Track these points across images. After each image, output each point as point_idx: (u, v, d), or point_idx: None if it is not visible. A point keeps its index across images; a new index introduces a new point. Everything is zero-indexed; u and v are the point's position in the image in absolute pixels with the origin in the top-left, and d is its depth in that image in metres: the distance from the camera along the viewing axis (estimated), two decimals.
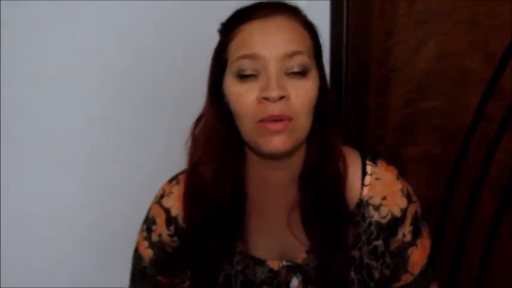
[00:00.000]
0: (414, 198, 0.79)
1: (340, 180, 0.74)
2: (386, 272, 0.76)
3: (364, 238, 0.75)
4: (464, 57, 1.08)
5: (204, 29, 0.77)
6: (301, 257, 0.74)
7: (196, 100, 0.77)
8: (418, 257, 0.77)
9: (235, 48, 0.69)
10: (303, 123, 0.69)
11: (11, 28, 0.99)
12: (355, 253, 0.74)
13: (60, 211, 1.11)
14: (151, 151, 1.13)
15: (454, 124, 1.12)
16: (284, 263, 0.74)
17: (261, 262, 0.75)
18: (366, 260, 0.74)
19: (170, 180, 0.83)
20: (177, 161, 0.80)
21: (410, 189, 0.79)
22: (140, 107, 1.13)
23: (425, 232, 0.78)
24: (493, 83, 1.07)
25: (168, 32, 1.10)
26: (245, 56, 0.67)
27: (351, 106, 1.19)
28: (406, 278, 0.77)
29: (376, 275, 0.74)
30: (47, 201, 1.10)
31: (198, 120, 0.77)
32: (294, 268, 0.74)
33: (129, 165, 1.14)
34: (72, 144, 1.10)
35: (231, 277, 0.74)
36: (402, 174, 1.16)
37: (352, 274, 0.73)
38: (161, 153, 1.08)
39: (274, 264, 0.74)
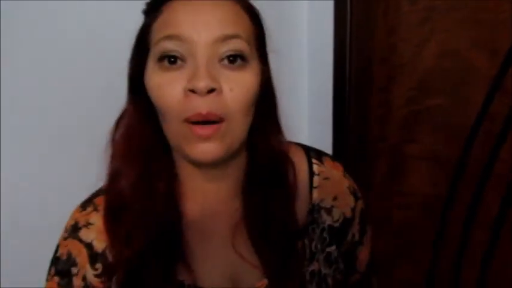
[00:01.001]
0: (359, 194, 0.70)
1: (288, 189, 0.64)
2: (339, 276, 0.68)
3: (319, 246, 0.66)
4: (468, 55, 1.08)
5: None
6: (262, 284, 0.62)
7: None
8: (364, 254, 0.72)
9: (158, 29, 0.57)
10: (238, 125, 0.56)
11: (11, 28, 0.99)
12: (315, 266, 0.65)
13: (61, 211, 1.11)
14: None
15: (458, 122, 1.11)
16: None
17: None
18: (323, 271, 0.65)
19: (83, 206, 0.66)
20: None
21: (355, 185, 0.70)
22: None
23: (369, 228, 0.72)
24: (497, 81, 1.06)
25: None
26: (168, 37, 0.55)
27: (353, 104, 1.19)
28: (355, 278, 0.72)
29: (330, 282, 0.66)
30: (47, 201, 1.09)
31: (119, 120, 0.63)
32: None
33: None
34: (75, 144, 1.09)
35: None
36: (405, 172, 1.16)
37: None
38: None
39: None
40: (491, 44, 1.05)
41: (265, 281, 0.62)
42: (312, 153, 0.69)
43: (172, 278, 0.59)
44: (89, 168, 1.12)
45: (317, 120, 1.27)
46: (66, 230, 0.65)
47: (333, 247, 0.67)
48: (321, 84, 1.24)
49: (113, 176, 0.61)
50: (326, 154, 0.70)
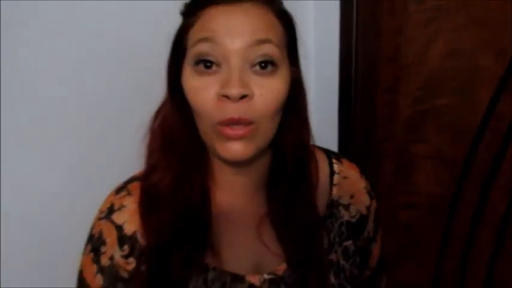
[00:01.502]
0: (373, 194, 0.77)
1: (311, 185, 0.68)
2: (355, 271, 0.72)
3: (337, 239, 0.71)
4: (475, 55, 1.08)
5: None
6: (281, 268, 0.67)
7: None
8: (376, 251, 0.78)
9: (195, 33, 0.60)
10: (267, 127, 0.60)
11: (11, 28, 1.00)
12: (333, 256, 0.70)
13: (62, 211, 1.12)
14: None
15: (464, 122, 1.11)
16: (266, 276, 0.66)
17: (239, 278, 0.65)
18: (341, 262, 0.70)
19: (117, 191, 0.70)
20: None
21: (369, 186, 0.77)
22: (137, 103, 1.13)
23: (380, 226, 0.78)
24: (504, 81, 1.06)
25: (165, 30, 1.10)
26: (204, 39, 0.58)
27: (360, 104, 1.19)
28: (366, 274, 0.77)
29: (348, 275, 0.71)
30: (47, 201, 1.10)
31: (158, 113, 0.67)
32: (276, 281, 0.66)
33: (132, 164, 1.14)
34: (76, 145, 1.10)
35: None
36: (411, 172, 1.16)
37: (332, 279, 0.68)
38: None
39: (255, 279, 0.65)
40: (498, 44, 1.05)
41: (284, 265, 0.66)
42: (331, 154, 0.75)
43: (198, 262, 0.64)
44: (90, 168, 1.13)
45: (323, 120, 1.27)
46: (101, 212, 0.70)
47: (350, 241, 0.72)
48: (327, 84, 1.24)
49: (151, 169, 0.66)
50: (344, 156, 0.76)
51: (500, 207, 1.11)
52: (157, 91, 1.09)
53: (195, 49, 0.59)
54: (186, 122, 0.64)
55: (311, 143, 0.69)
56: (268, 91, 0.58)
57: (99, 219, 0.69)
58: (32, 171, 1.08)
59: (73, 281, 1.12)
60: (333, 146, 1.23)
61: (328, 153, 0.75)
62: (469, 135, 1.11)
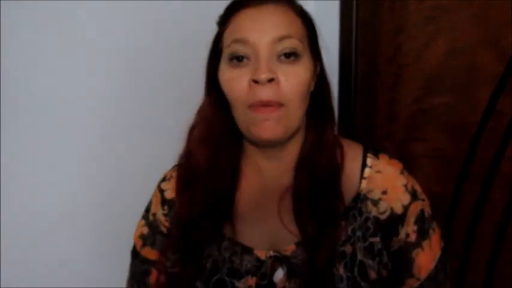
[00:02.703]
0: (421, 196, 0.74)
1: (335, 171, 0.72)
2: (384, 273, 0.71)
3: (359, 233, 0.71)
4: (475, 53, 1.08)
5: (206, 28, 0.76)
6: (289, 248, 0.72)
7: (200, 97, 0.78)
8: (424, 260, 0.72)
9: (228, 36, 0.70)
10: (294, 110, 0.68)
11: (11, 28, 1.00)
12: (347, 248, 0.70)
13: (62, 210, 1.12)
14: (155, 148, 1.13)
15: (464, 120, 1.11)
16: (271, 253, 0.72)
17: (248, 250, 0.73)
18: (359, 257, 0.70)
19: (174, 166, 0.83)
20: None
21: (417, 187, 0.75)
22: (143, 103, 1.13)
23: (434, 235, 0.73)
24: (504, 79, 1.06)
25: (171, 30, 1.10)
26: (236, 41, 0.68)
27: (360, 102, 1.19)
28: (411, 283, 0.72)
29: (372, 275, 0.69)
30: (48, 201, 1.10)
31: (199, 110, 0.78)
32: (280, 259, 0.71)
33: (132, 164, 1.14)
34: (74, 143, 1.10)
35: (218, 263, 0.73)
36: (411, 170, 1.15)
37: (342, 271, 0.69)
38: (165, 150, 1.07)
39: (262, 254, 0.72)
40: (498, 43, 1.06)
41: (293, 246, 0.72)
42: (370, 148, 0.77)
43: (216, 232, 0.74)
44: (91, 168, 1.13)
45: None
46: (158, 181, 0.84)
47: (377, 238, 0.71)
48: None
49: (188, 153, 0.77)
50: (385, 152, 0.77)
51: (500, 205, 1.12)
52: (171, 95, 1.10)
53: (229, 49, 0.69)
54: (221, 115, 0.74)
55: (334, 133, 0.75)
56: (292, 77, 0.67)
57: (155, 187, 0.84)
58: (32, 171, 1.08)
59: (75, 282, 1.12)
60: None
61: (366, 146, 0.77)
62: (468, 134, 1.11)
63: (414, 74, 1.14)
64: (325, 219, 0.69)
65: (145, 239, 0.81)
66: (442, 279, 0.74)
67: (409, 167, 1.18)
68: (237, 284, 0.72)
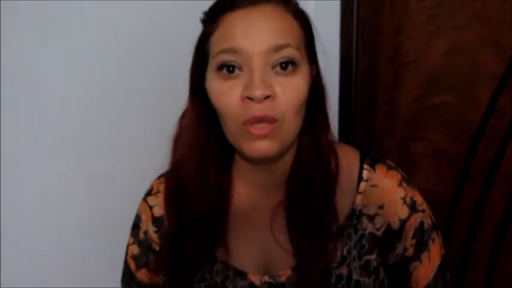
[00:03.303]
0: (421, 208, 0.69)
1: (330, 184, 0.67)
2: None
3: (354, 253, 0.67)
4: (476, 52, 1.08)
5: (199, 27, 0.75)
6: (285, 274, 0.67)
7: None
8: (422, 272, 0.69)
9: (216, 41, 0.62)
10: (290, 125, 0.62)
11: (11, 28, 1.00)
12: (343, 270, 0.66)
13: (62, 210, 1.12)
14: (156, 148, 1.13)
15: (465, 119, 1.11)
16: (266, 278, 0.68)
17: (241, 274, 0.68)
18: (355, 277, 0.66)
19: (159, 177, 0.78)
20: None
21: (417, 197, 0.70)
22: (144, 103, 1.13)
23: (434, 245, 0.69)
24: (505, 78, 1.06)
25: (165, 30, 1.10)
26: (226, 50, 0.60)
27: (360, 101, 1.19)
28: None
29: None
30: (48, 200, 1.10)
31: (183, 116, 0.72)
32: (275, 286, 0.67)
33: (138, 162, 1.14)
34: (78, 142, 1.10)
35: None
36: (412, 169, 1.15)
37: None
38: (163, 149, 1.08)
39: (256, 279, 0.68)
40: (499, 42, 1.05)
41: (288, 271, 0.67)
42: (367, 159, 0.70)
43: (208, 255, 0.69)
44: (89, 168, 1.13)
45: None
46: (145, 193, 0.79)
47: (373, 256, 0.67)
48: (327, 82, 1.24)
49: (175, 166, 0.71)
50: (384, 162, 0.71)
51: (500, 205, 1.12)
52: (162, 97, 1.10)
53: (218, 58, 0.61)
54: (209, 124, 0.68)
55: (329, 138, 0.70)
56: (290, 89, 0.60)
57: (142, 199, 0.78)
58: (32, 169, 1.08)
59: (76, 282, 1.13)
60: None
61: (363, 156, 0.71)
62: (469, 133, 1.11)
63: (415, 73, 1.13)
64: (319, 237, 0.65)
65: (138, 260, 0.76)
66: (442, 287, 0.71)
67: (410, 166, 1.19)
68: None
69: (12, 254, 1.07)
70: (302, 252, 0.65)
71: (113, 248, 1.14)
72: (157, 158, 1.09)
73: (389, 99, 1.16)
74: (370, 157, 0.71)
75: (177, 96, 1.05)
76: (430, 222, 0.70)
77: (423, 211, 0.69)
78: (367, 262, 0.67)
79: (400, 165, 1.20)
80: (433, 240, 0.69)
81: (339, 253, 0.67)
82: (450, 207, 1.16)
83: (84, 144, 1.10)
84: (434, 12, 1.09)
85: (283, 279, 0.67)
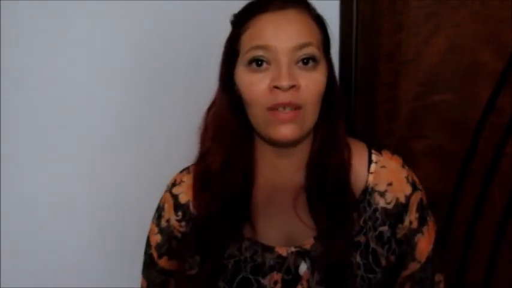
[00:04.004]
0: (419, 187, 0.80)
1: (344, 167, 0.77)
2: (392, 258, 0.77)
3: (370, 224, 0.76)
4: (475, 50, 1.08)
5: (213, 25, 0.77)
6: (308, 243, 0.75)
7: (206, 96, 0.78)
8: (424, 244, 0.79)
9: (248, 40, 0.72)
10: (311, 113, 0.71)
11: (11, 28, 1.00)
12: (361, 238, 0.75)
13: (62, 210, 1.12)
14: (161, 148, 1.13)
15: (465, 117, 1.11)
16: (292, 249, 0.76)
17: (269, 249, 0.76)
18: (372, 245, 0.75)
19: (181, 171, 0.85)
20: (187, 158, 0.81)
21: (415, 178, 0.81)
22: (149, 104, 1.13)
23: (430, 220, 0.80)
24: (504, 76, 1.06)
25: (177, 28, 1.10)
26: (257, 47, 0.70)
27: (360, 99, 1.19)
28: (413, 267, 0.79)
29: (383, 261, 0.75)
30: (48, 200, 1.10)
31: (209, 109, 0.79)
32: (302, 254, 0.75)
33: (138, 162, 1.14)
34: (79, 142, 1.10)
35: (240, 263, 0.76)
36: (411, 167, 1.16)
37: (358, 259, 0.74)
38: (171, 151, 1.07)
39: (283, 251, 0.76)
40: (499, 40, 1.06)
41: (311, 241, 0.75)
42: (373, 146, 0.82)
43: (236, 230, 0.76)
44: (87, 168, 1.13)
45: None
46: (167, 186, 0.84)
47: (385, 227, 0.77)
48: None
49: (203, 154, 0.78)
50: (387, 148, 0.83)
51: (501, 202, 1.12)
52: (177, 97, 1.10)
53: (250, 53, 0.70)
54: (234, 114, 0.76)
55: (344, 132, 0.78)
56: (312, 82, 0.70)
57: (165, 192, 0.84)
58: (34, 169, 1.08)
59: (77, 282, 1.13)
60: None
61: (369, 144, 0.82)
62: (469, 131, 1.12)
63: (414, 71, 1.13)
64: (338, 213, 0.74)
65: (161, 248, 0.83)
66: (437, 262, 0.80)
67: (410, 164, 1.18)
68: (262, 281, 0.75)
69: (12, 254, 1.08)
70: (323, 225, 0.74)
71: (114, 248, 1.14)
72: (159, 158, 1.10)
73: (389, 98, 1.17)
74: (375, 145, 0.82)
75: (185, 97, 1.06)
76: (426, 200, 0.81)
77: (421, 190, 0.80)
78: (381, 233, 0.76)
79: (399, 156, 1.21)
80: (430, 216, 0.80)
81: (356, 223, 0.76)
82: (450, 206, 1.16)
83: (85, 144, 1.10)
84: (434, 10, 1.09)
85: (307, 247, 0.75)
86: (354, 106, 1.19)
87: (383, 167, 0.79)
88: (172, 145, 1.07)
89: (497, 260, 1.14)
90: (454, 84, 1.11)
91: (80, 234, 1.14)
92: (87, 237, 1.15)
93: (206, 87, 0.78)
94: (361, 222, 0.76)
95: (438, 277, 0.80)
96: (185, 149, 0.80)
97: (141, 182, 1.11)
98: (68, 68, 1.06)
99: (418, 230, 0.78)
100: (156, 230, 0.84)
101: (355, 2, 1.14)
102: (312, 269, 0.75)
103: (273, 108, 0.69)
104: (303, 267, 0.75)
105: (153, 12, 1.08)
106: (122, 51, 1.09)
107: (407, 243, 0.78)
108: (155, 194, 0.85)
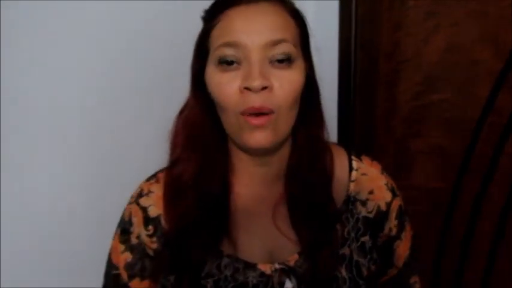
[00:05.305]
0: (398, 192, 0.77)
1: (326, 175, 0.72)
2: (373, 268, 0.73)
3: (352, 235, 0.72)
4: (474, 49, 1.08)
5: (197, 27, 0.75)
6: (293, 258, 0.70)
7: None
8: (402, 249, 0.77)
9: (217, 36, 0.65)
10: (286, 117, 0.65)
11: (11, 28, 1.00)
12: (346, 250, 0.71)
13: (62, 210, 1.12)
14: (156, 148, 1.14)
15: (464, 116, 1.11)
16: (276, 265, 0.70)
17: (251, 266, 0.69)
18: (355, 257, 0.71)
19: (148, 179, 0.77)
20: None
21: (394, 184, 0.77)
22: (145, 103, 1.13)
23: (408, 225, 0.77)
24: (503, 75, 1.06)
25: (162, 30, 1.10)
26: (226, 44, 0.63)
27: (359, 99, 1.19)
28: (391, 272, 0.77)
29: (365, 272, 0.71)
30: (48, 200, 1.10)
31: (181, 112, 0.73)
32: (286, 271, 0.69)
33: (134, 163, 1.14)
34: (74, 143, 1.10)
35: (220, 283, 0.69)
36: (410, 166, 1.16)
37: (344, 272, 0.70)
38: (165, 149, 1.08)
39: (266, 268, 0.69)
40: (497, 38, 1.06)
41: (296, 256, 0.70)
42: (352, 151, 0.77)
43: (214, 249, 0.69)
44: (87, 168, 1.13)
45: None
46: (132, 197, 0.76)
47: (367, 237, 0.73)
48: (326, 79, 1.24)
49: (174, 161, 0.72)
50: (366, 154, 0.78)
51: (499, 201, 1.12)
52: (164, 96, 1.10)
53: (218, 52, 0.64)
54: (208, 118, 0.70)
55: (325, 137, 0.73)
56: (286, 82, 0.63)
57: (130, 203, 0.76)
58: (32, 169, 1.08)
59: (77, 282, 1.13)
60: (333, 140, 1.24)
61: (349, 150, 0.77)
62: (468, 130, 1.12)
63: (413, 70, 1.14)
64: (322, 225, 0.69)
65: (131, 268, 0.73)
66: (413, 265, 0.78)
67: (408, 163, 1.19)
68: None
69: (12, 254, 1.08)
70: (306, 239, 0.69)
71: None
72: (158, 158, 1.11)
73: (388, 97, 1.17)
74: (354, 151, 0.78)
75: (174, 95, 1.06)
76: (403, 205, 0.77)
77: (399, 195, 0.77)
78: (363, 243, 0.72)
79: (399, 163, 1.22)
80: (407, 222, 0.77)
81: (339, 235, 0.71)
82: (449, 205, 1.16)
83: (84, 144, 1.10)
84: (433, 9, 1.09)
85: (291, 263, 0.70)
86: (353, 105, 1.19)
87: (364, 174, 0.74)
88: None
89: (496, 259, 1.14)
90: (453, 83, 1.11)
91: (80, 234, 1.14)
92: (87, 237, 1.15)
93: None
94: (345, 233, 0.71)
95: (414, 279, 0.78)
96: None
97: (139, 180, 1.11)
98: (68, 68, 1.06)
99: (397, 237, 0.75)
100: (122, 247, 0.74)
101: (354, 1, 1.14)
102: (298, 287, 0.69)
103: (245, 113, 0.63)
104: (289, 286, 0.69)
105: (153, 12, 1.08)
106: (122, 51, 1.09)
107: (387, 250, 0.75)
108: None
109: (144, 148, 1.13)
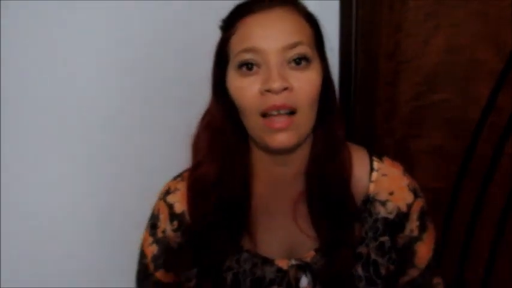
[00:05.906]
0: (420, 194, 0.78)
1: (345, 174, 0.74)
2: (391, 267, 0.75)
3: (370, 234, 0.74)
4: (474, 49, 1.08)
5: (207, 29, 0.76)
6: (309, 255, 0.73)
7: (201, 100, 0.77)
8: (424, 250, 0.77)
9: (236, 43, 0.69)
10: (307, 117, 0.68)
11: (11, 28, 1.00)
12: (363, 249, 0.73)
13: (62, 211, 1.12)
14: (157, 148, 1.13)
15: (464, 117, 1.11)
16: (293, 261, 0.73)
17: (268, 261, 0.73)
18: (373, 257, 0.73)
19: (175, 177, 0.82)
20: (183, 157, 0.79)
21: (416, 185, 0.78)
22: (145, 104, 1.13)
23: (430, 226, 0.78)
24: (503, 76, 1.06)
25: (172, 32, 1.10)
26: (245, 50, 0.67)
27: (359, 99, 1.19)
28: (413, 273, 0.77)
29: (383, 271, 0.73)
30: (48, 201, 1.10)
31: (203, 118, 0.77)
32: (303, 267, 0.73)
33: (135, 161, 1.14)
34: (77, 142, 1.10)
35: (239, 276, 0.73)
36: (411, 167, 1.16)
37: (360, 271, 0.72)
38: (167, 151, 1.07)
39: (283, 263, 0.73)
40: (498, 39, 1.06)
41: (312, 252, 0.73)
42: (373, 152, 0.79)
43: (235, 241, 0.74)
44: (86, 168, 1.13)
45: None
46: (160, 193, 0.81)
47: (386, 237, 0.74)
48: None
49: (198, 163, 0.75)
50: (387, 155, 0.80)
51: (500, 201, 1.12)
52: (172, 98, 1.10)
53: (238, 58, 0.68)
54: (229, 123, 0.74)
55: (344, 136, 0.75)
56: (305, 82, 0.67)
57: (158, 199, 0.81)
58: (33, 169, 1.08)
59: (77, 282, 1.13)
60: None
61: (370, 151, 0.79)
62: (468, 130, 1.12)
63: (414, 70, 1.13)
64: (340, 223, 0.71)
65: (157, 259, 0.79)
66: (436, 267, 0.78)
67: (409, 163, 1.19)
68: None
69: (12, 254, 1.08)
70: (325, 236, 0.71)
71: (115, 248, 1.14)
72: (159, 159, 1.10)
73: (389, 97, 1.17)
74: (376, 152, 0.80)
75: (182, 97, 1.06)
76: (426, 206, 0.78)
77: (422, 197, 0.78)
78: (382, 243, 0.74)
79: (400, 163, 1.21)
80: (430, 222, 0.78)
81: (357, 233, 0.73)
82: (449, 205, 1.16)
83: (85, 144, 1.10)
84: (433, 9, 1.09)
85: (308, 259, 0.73)
86: (353, 106, 1.19)
87: (384, 175, 0.76)
88: (171, 145, 1.07)
89: (496, 259, 1.14)
90: (454, 84, 1.11)
91: (80, 234, 1.14)
92: (87, 237, 1.15)
93: (205, 87, 0.76)
94: (363, 232, 0.74)
95: (436, 280, 0.79)
96: (181, 149, 0.78)
97: (142, 182, 1.11)
98: (68, 68, 1.06)
99: (419, 238, 0.76)
100: (151, 239, 0.80)
101: (354, 2, 1.14)
102: (314, 283, 0.72)
103: (267, 115, 0.66)
104: (304, 281, 0.72)
105: (157, 13, 1.08)
106: (124, 52, 1.09)
107: (407, 250, 0.76)
108: (151, 193, 0.85)
109: (147, 151, 1.13)
